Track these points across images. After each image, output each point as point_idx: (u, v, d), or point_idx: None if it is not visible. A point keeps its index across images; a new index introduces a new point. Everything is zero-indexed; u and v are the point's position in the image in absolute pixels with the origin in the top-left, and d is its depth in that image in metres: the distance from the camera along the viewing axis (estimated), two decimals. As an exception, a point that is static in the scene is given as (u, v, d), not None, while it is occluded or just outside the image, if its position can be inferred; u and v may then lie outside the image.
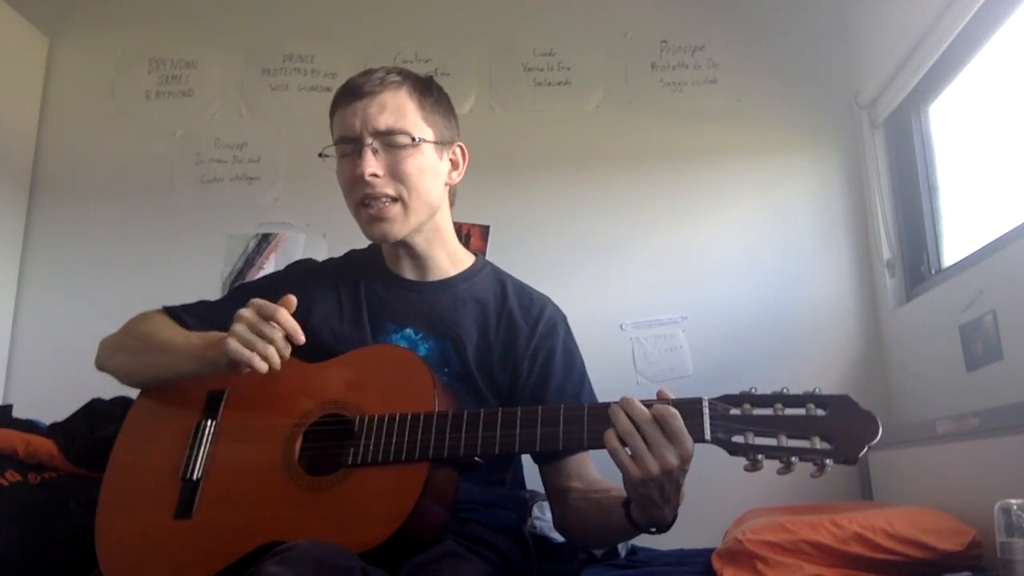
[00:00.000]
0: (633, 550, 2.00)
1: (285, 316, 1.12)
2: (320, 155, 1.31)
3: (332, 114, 1.31)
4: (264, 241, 2.67)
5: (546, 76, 2.76)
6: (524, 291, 1.38)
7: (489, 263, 1.43)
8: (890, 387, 2.42)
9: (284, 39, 2.84)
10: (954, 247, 2.30)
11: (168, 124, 2.78)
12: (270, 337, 1.11)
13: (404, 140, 1.25)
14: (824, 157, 2.64)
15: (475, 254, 1.42)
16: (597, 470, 1.27)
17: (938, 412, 1.93)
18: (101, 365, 1.35)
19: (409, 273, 1.36)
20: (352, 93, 1.27)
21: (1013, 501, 1.34)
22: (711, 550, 1.71)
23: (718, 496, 2.02)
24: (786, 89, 2.68)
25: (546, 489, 1.30)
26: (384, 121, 1.24)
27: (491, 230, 2.61)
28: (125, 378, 1.33)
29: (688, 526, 1.62)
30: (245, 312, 1.13)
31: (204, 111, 2.80)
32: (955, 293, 2.03)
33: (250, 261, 2.65)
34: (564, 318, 1.38)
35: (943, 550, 1.52)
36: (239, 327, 1.11)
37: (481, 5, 2.85)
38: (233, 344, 1.10)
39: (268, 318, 1.11)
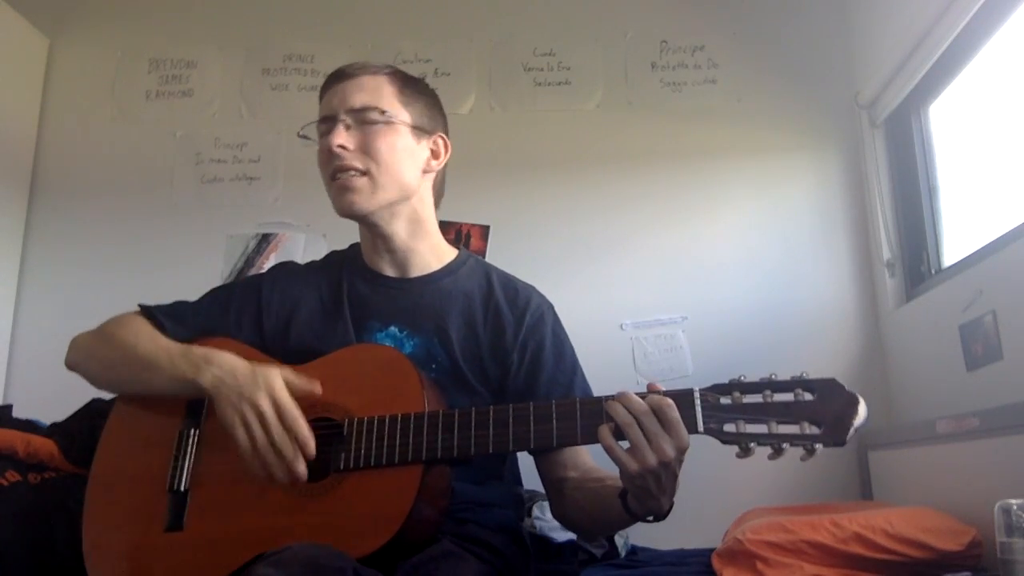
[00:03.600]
0: (633, 550, 2.00)
1: (303, 429, 1.08)
2: (299, 135, 1.33)
3: (320, 101, 1.33)
4: (264, 241, 2.67)
5: (546, 76, 2.76)
6: (509, 282, 1.37)
7: (473, 256, 1.42)
8: (890, 387, 2.42)
9: (284, 39, 2.84)
10: (954, 247, 2.30)
11: (168, 124, 2.78)
12: (282, 456, 1.07)
13: (375, 116, 1.26)
14: (824, 157, 2.64)
15: (458, 248, 1.41)
16: (591, 457, 1.26)
17: (938, 412, 1.93)
18: (72, 365, 1.30)
19: (389, 270, 1.34)
20: (335, 78, 1.30)
21: (1013, 501, 1.33)
22: (711, 550, 1.71)
23: (718, 496, 2.03)
24: (786, 89, 2.68)
25: (542, 480, 1.29)
26: (360, 99, 1.27)
27: (491, 230, 2.61)
28: (97, 385, 1.29)
29: (688, 526, 1.63)
30: (263, 419, 1.08)
31: (204, 111, 2.80)
32: (955, 293, 2.02)
33: (250, 261, 2.64)
34: (551, 307, 1.37)
35: (943, 550, 1.52)
36: (257, 433, 1.07)
37: (481, 5, 2.85)
38: (243, 446, 1.07)
39: (288, 429, 1.08)
